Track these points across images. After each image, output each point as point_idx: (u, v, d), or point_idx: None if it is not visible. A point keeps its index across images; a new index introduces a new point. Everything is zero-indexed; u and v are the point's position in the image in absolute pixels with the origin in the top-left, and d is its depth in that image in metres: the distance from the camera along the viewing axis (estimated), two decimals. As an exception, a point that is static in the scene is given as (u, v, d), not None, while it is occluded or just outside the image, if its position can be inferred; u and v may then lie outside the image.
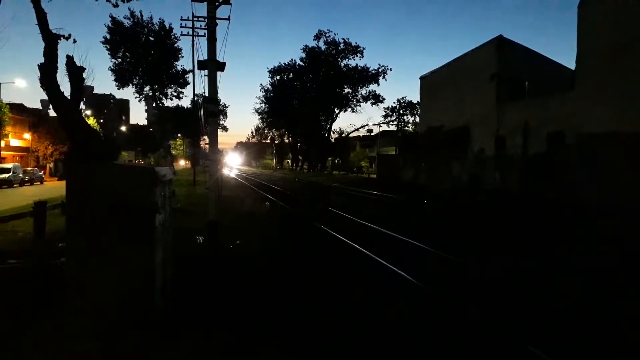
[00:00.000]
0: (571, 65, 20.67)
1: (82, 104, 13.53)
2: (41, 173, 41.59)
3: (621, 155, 17.22)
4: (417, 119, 53.96)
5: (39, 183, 38.82)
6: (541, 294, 6.25)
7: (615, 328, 5.09)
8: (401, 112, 65.82)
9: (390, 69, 75.53)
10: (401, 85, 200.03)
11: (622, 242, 10.57)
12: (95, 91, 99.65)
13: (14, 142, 46.09)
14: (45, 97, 11.13)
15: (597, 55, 18.63)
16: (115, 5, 13.35)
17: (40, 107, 58.36)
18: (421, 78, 35.32)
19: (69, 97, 11.12)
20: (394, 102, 67.78)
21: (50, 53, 10.55)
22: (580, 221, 14.04)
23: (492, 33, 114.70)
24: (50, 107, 13.03)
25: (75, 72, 11.29)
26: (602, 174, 17.93)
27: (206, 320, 4.91)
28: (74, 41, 11.69)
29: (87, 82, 13.05)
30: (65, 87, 10.99)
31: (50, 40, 10.62)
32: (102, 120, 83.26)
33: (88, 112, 60.45)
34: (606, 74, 18.16)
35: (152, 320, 4.41)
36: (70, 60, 11.25)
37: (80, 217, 4.34)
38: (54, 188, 28.50)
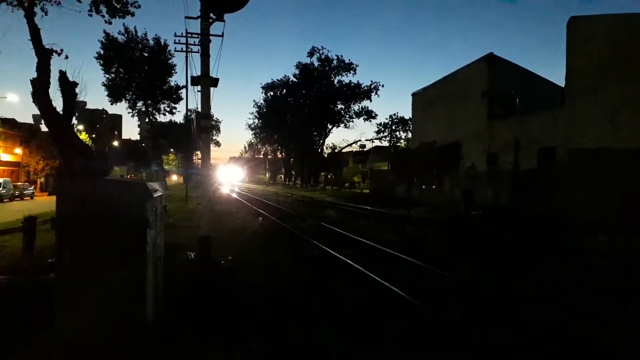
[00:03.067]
0: (561, 82, 20.99)
1: (74, 119, 13.49)
2: (32, 188, 41.23)
3: (611, 171, 17.43)
4: (409, 135, 54.29)
5: (29, 198, 38.47)
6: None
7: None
8: (393, 127, 66.34)
9: (383, 85, 76.37)
10: (393, 102, 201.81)
11: (603, 256, 10.63)
12: (88, 106, 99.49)
13: (5, 156, 45.73)
14: (38, 112, 11.12)
15: (586, 73, 18.94)
16: (109, 23, 13.45)
17: (32, 122, 57.98)
18: (413, 94, 35.64)
19: (61, 112, 11.11)
20: (387, 118, 68.58)
21: (43, 68, 10.58)
22: (569, 236, 14.10)
23: (483, 50, 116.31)
24: (42, 122, 12.99)
25: (68, 87, 11.30)
26: (592, 190, 18.12)
27: (199, 339, 4.86)
28: (66, 57, 11.73)
29: (80, 97, 13.05)
30: (58, 102, 11.00)
31: (43, 56, 10.65)
32: (94, 136, 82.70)
33: (80, 127, 60.12)
34: (595, 91, 18.45)
35: (143, 339, 4.35)
36: (63, 75, 11.27)
37: (71, 232, 4.30)
38: (45, 203, 28.23)
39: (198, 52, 10.49)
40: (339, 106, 70.37)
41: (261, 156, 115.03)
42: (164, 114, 58.81)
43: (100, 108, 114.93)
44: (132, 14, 13.51)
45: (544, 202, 20.30)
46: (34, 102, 10.56)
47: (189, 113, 37.57)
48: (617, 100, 17.57)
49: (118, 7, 12.90)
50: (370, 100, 69.48)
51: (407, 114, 64.08)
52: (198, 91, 11.19)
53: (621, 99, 17.40)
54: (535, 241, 13.37)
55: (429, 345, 4.98)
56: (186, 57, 39.72)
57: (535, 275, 8.63)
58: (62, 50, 11.46)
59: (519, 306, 6.55)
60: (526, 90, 25.17)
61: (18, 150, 47.17)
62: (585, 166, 18.60)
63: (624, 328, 5.62)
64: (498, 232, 15.36)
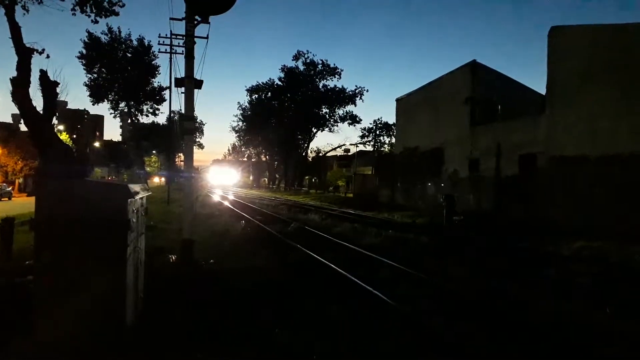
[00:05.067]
0: (542, 89, 21.41)
1: (54, 118, 13.28)
2: (10, 189, 40.41)
3: (590, 178, 17.81)
4: (393, 140, 54.64)
5: (7, 199, 37.71)
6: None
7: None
8: (377, 132, 66.84)
9: (367, 90, 76.50)
10: (377, 107, 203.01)
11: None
12: (69, 106, 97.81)
13: (-18, 156, 44.84)
14: (17, 111, 10.93)
15: (567, 81, 19.35)
16: (95, 22, 13.29)
17: (11, 122, 56.92)
18: (397, 100, 35.90)
19: (41, 112, 10.94)
20: (371, 123, 68.95)
21: (24, 67, 10.42)
22: (540, 240, 14.37)
23: (466, 57, 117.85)
24: (22, 121, 12.77)
25: (49, 86, 11.14)
26: (572, 196, 18.49)
27: (180, 342, 4.82)
28: (47, 56, 11.56)
29: (61, 97, 12.91)
30: (38, 102, 10.84)
31: (24, 54, 10.49)
32: (75, 136, 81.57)
33: (61, 127, 59.17)
34: (575, 99, 18.85)
35: (123, 342, 4.30)
36: (43, 74, 11.10)
37: (50, 234, 4.24)
38: (23, 204, 27.71)
39: (182, 54, 10.45)
40: (324, 110, 70.64)
41: (245, 159, 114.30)
42: (147, 115, 58.31)
43: (82, 108, 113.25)
44: (117, 14, 13.38)
45: (525, 208, 20.63)
46: (13, 101, 10.39)
47: (172, 115, 37.28)
48: (596, 109, 17.95)
49: (107, 6, 12.74)
50: (355, 105, 69.93)
51: (391, 119, 64.50)
52: (182, 92, 11.14)
53: (600, 108, 17.78)
54: (503, 244, 13.65)
55: (400, 338, 5.07)
56: (170, 58, 39.45)
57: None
58: (43, 49, 11.30)
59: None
60: (508, 98, 25.58)
61: (-4, 150, 46.28)
62: (565, 173, 18.97)
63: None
64: (474, 237, 15.54)
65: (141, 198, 5.19)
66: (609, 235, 14.35)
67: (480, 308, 6.72)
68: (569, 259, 11.65)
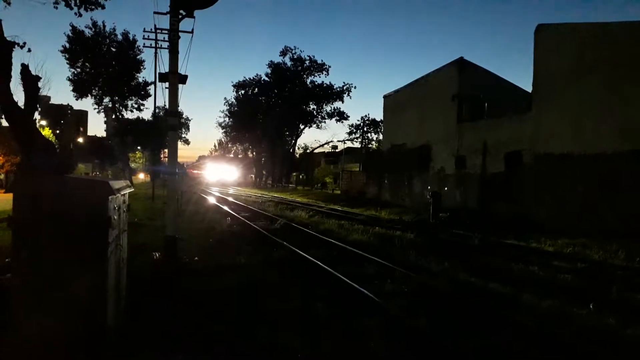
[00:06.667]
0: (529, 87, 21.58)
1: (36, 114, 13.05)
2: (-10, 185, 39.70)
3: (575, 176, 18.03)
4: (381, 137, 54.79)
5: (-13, 195, 37.02)
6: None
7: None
8: (365, 129, 66.89)
9: (355, 87, 76.56)
10: (365, 104, 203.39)
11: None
12: (52, 101, 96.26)
13: (-38, 152, 43.89)
14: (-3, 106, 10.71)
15: (552, 79, 19.55)
16: (79, 15, 13.05)
17: (-8, 116, 55.80)
18: (385, 97, 35.96)
19: (22, 107, 10.74)
20: (358, 120, 69.19)
21: (4, 61, 10.20)
22: (530, 238, 14.53)
23: (454, 55, 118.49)
24: (2, 116, 12.52)
25: (30, 81, 10.94)
26: (556, 194, 18.71)
27: (161, 342, 4.75)
28: (29, 50, 11.37)
29: (43, 92, 12.67)
30: (20, 96, 10.65)
31: (5, 48, 10.27)
32: (58, 132, 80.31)
33: (43, 122, 58.23)
34: (561, 97, 19.05)
35: (103, 342, 4.22)
36: (25, 68, 10.90)
37: (28, 231, 4.13)
38: (3, 200, 27.21)
39: (167, 49, 10.31)
40: (311, 106, 70.48)
41: (231, 155, 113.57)
42: (132, 111, 57.39)
43: (66, 104, 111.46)
44: (103, 7, 13.18)
45: (511, 205, 20.82)
46: (-7, 95, 10.17)
47: (157, 110, 36.86)
48: (581, 107, 18.16)
49: None
50: (343, 102, 69.87)
51: (378, 116, 64.63)
52: (166, 88, 10.99)
53: (585, 106, 18.00)
54: (487, 241, 13.78)
55: (384, 335, 5.07)
56: (155, 53, 39.12)
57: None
58: (24, 43, 11.09)
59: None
60: (495, 95, 25.74)
61: (-24, 146, 45.31)
62: (550, 170, 19.19)
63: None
64: (460, 234, 15.65)
65: (123, 195, 5.09)
66: (591, 233, 14.56)
67: (462, 304, 6.74)
68: (553, 255, 11.83)
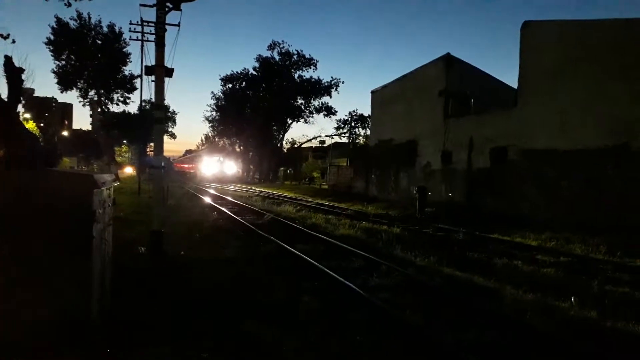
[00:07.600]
0: (515, 84, 21.80)
1: (20, 106, 12.85)
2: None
3: (559, 171, 18.29)
4: (368, 132, 54.87)
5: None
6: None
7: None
8: (353, 124, 66.95)
9: (343, 82, 76.12)
10: (353, 99, 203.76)
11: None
12: (36, 94, 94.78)
13: (-57, 145, 43.05)
14: (-22, 98, 10.51)
15: (538, 76, 19.79)
16: (68, 5, 12.81)
17: (-26, 109, 54.70)
18: (372, 92, 36.02)
19: (5, 99, 10.55)
20: (346, 115, 69.00)
21: (-15, 52, 10.00)
22: (514, 233, 14.70)
23: (441, 50, 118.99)
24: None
25: (14, 73, 10.74)
26: (542, 189, 18.97)
27: (145, 337, 4.74)
28: (13, 41, 11.14)
29: (27, 84, 12.46)
30: (3, 88, 10.48)
31: (-14, 39, 10.08)
32: (42, 125, 79.19)
33: (27, 115, 57.30)
34: (546, 93, 19.30)
35: (88, 337, 4.20)
36: (8, 60, 10.68)
37: (10, 226, 4.10)
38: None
39: (154, 41, 10.22)
40: (299, 101, 70.21)
41: (218, 149, 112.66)
42: (118, 104, 56.62)
43: (50, 96, 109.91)
44: (90, -2, 12.98)
45: (497, 200, 21.07)
46: (-26, 87, 9.99)
47: (143, 104, 36.44)
48: (566, 103, 18.42)
49: None
50: (330, 97, 69.65)
51: (366, 111, 64.71)
52: (152, 81, 10.89)
53: (570, 102, 18.25)
54: (472, 236, 13.93)
55: (370, 328, 5.11)
56: (142, 46, 38.67)
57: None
58: (8, 34, 10.88)
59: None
60: (481, 91, 25.96)
61: (-42, 138, 44.47)
62: (535, 166, 19.46)
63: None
64: (445, 228, 15.77)
65: (108, 189, 5.06)
66: (576, 227, 14.78)
67: (447, 298, 6.82)
68: (536, 249, 12.00)
